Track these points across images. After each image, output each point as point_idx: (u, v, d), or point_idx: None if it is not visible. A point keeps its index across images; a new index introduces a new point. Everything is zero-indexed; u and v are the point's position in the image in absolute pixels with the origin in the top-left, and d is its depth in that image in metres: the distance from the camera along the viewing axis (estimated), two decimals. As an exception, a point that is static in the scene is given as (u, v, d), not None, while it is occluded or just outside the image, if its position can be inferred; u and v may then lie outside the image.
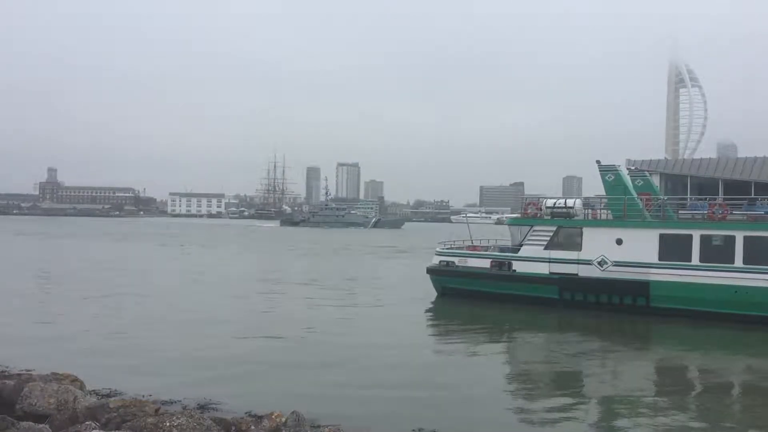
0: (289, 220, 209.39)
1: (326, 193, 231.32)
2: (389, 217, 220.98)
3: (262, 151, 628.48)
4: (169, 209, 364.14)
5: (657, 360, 21.02)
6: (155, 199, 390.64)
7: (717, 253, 26.62)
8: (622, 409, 15.00)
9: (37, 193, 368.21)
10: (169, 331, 22.91)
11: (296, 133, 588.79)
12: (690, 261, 26.94)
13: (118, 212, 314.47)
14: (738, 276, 25.88)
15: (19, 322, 24.27)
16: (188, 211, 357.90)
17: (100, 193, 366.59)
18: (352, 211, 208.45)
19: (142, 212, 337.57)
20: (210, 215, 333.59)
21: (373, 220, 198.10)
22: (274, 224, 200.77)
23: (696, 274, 26.65)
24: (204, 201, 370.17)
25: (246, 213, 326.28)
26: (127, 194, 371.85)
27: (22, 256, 57.93)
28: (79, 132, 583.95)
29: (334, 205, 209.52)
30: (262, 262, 58.09)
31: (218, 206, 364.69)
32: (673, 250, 27.42)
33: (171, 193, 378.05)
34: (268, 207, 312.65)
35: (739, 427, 13.87)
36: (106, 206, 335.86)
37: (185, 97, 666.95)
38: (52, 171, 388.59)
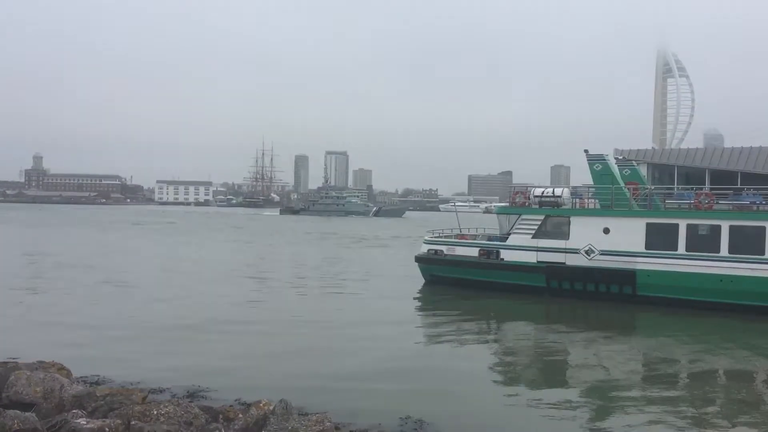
0: (289, 209, 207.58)
1: (326, 181, 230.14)
2: (388, 206, 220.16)
3: (251, 139, 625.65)
4: (156, 197, 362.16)
5: (642, 348, 21.19)
6: (142, 187, 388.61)
7: (703, 242, 26.83)
8: (607, 397, 15.14)
9: (22, 180, 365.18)
10: (157, 321, 22.80)
11: (284, 122, 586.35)
12: (676, 250, 27.14)
13: (104, 200, 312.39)
14: (723, 265, 26.09)
15: (3, 311, 24.09)
16: (176, 199, 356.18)
17: (87, 180, 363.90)
18: (353, 200, 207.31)
19: (128, 200, 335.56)
20: (197, 203, 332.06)
21: (375, 208, 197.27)
22: (273, 212, 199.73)
23: (682, 263, 26.85)
24: (191, 189, 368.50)
25: (234, 201, 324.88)
26: (114, 182, 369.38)
27: (5, 245, 57.47)
28: (65, 119, 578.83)
29: (335, 194, 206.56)
30: (263, 251, 57.87)
31: (206, 194, 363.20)
32: (659, 239, 27.60)
33: (158, 181, 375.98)
34: (256, 195, 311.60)
35: (722, 414, 14.04)
36: (93, 194, 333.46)
37: (172, 85, 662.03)
38: (37, 158, 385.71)
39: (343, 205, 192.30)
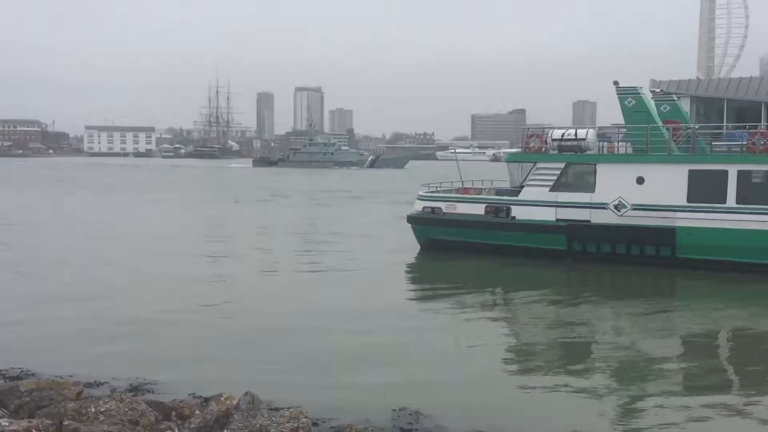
0: (264, 160, 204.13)
1: (311, 125, 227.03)
2: (387, 155, 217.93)
3: (202, 74, 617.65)
4: (85, 147, 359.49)
5: (683, 324, 21.36)
6: (68, 135, 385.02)
7: (757, 192, 27.05)
8: (638, 386, 15.21)
9: None
10: (90, 298, 22.76)
11: (243, 52, 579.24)
12: (725, 203, 27.34)
13: (21, 151, 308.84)
14: (782, 220, 26.37)
15: None
16: (110, 148, 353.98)
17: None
18: (343, 148, 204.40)
19: (51, 151, 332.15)
20: (138, 154, 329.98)
21: (370, 158, 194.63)
22: (244, 164, 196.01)
23: (732, 219, 27.08)
24: (129, 136, 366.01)
25: (183, 150, 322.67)
26: (33, 128, 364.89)
27: None
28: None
29: (321, 140, 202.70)
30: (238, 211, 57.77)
31: (147, 143, 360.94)
32: (704, 189, 27.77)
33: (87, 127, 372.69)
34: (210, 143, 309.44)
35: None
36: (6, 143, 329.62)
37: (103, 8, 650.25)
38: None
39: (332, 154, 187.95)
